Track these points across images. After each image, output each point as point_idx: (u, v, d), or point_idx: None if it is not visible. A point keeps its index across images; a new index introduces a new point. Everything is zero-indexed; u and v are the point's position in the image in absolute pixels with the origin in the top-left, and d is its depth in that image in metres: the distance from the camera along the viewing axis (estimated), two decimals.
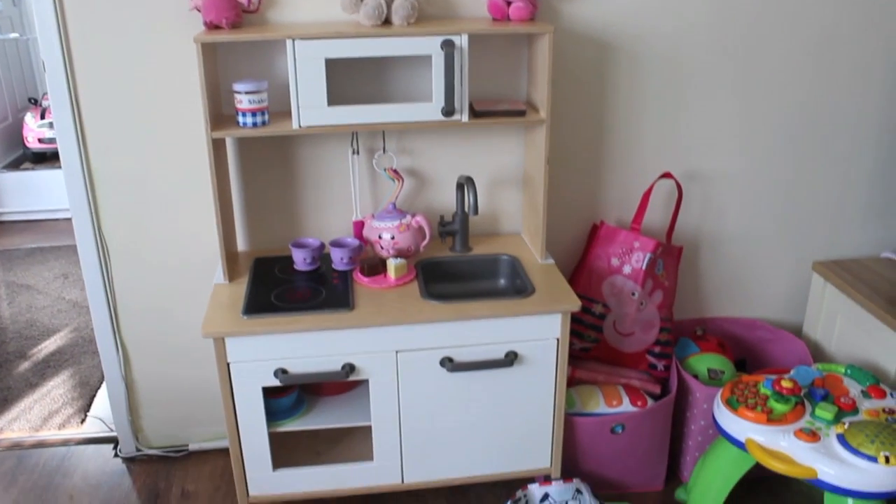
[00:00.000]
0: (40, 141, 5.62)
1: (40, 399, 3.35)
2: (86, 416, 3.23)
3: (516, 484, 2.59)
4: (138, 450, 2.95)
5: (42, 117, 5.65)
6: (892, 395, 2.34)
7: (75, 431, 3.13)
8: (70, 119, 2.47)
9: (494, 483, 2.68)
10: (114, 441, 3.01)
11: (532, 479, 2.56)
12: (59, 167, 2.56)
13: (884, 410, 2.25)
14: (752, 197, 2.87)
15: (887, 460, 2.02)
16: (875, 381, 2.39)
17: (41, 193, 5.42)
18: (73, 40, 2.38)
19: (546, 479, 2.54)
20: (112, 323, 2.75)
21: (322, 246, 2.56)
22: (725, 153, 2.79)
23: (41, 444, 3.04)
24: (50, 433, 3.11)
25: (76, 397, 3.35)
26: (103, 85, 2.44)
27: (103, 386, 3.35)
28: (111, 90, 2.45)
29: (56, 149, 2.52)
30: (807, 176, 2.87)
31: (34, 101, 5.87)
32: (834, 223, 2.96)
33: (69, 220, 2.61)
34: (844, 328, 2.79)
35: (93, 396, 3.36)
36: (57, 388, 3.43)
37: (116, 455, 2.96)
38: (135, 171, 2.56)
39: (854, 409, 2.26)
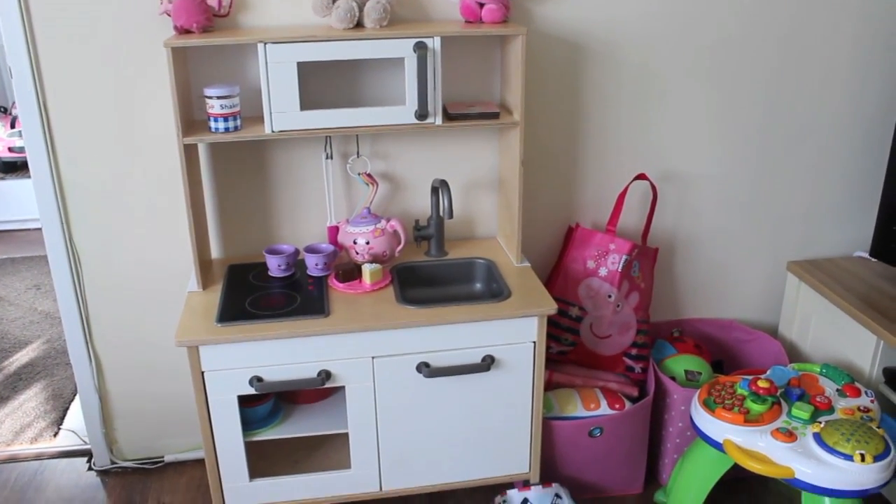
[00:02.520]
0: (10, 150, 5.54)
1: (12, 413, 3.29)
2: (59, 429, 3.18)
3: (495, 489, 2.58)
4: (113, 462, 2.91)
5: (12, 126, 5.57)
6: (866, 393, 2.35)
7: (48, 445, 3.08)
8: (39, 127, 2.43)
9: (474, 489, 2.67)
10: (88, 454, 2.97)
11: (511, 485, 2.55)
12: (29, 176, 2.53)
13: (859, 409, 2.26)
14: (727, 198, 2.88)
15: (863, 458, 2.03)
16: (850, 380, 2.40)
17: (12, 203, 5.35)
18: (41, 46, 2.35)
19: (525, 484, 2.54)
20: (85, 334, 2.71)
21: (296, 252, 2.54)
22: (699, 154, 2.80)
23: (13, 459, 2.99)
24: (22, 447, 3.06)
25: (49, 410, 3.30)
26: (72, 92, 2.41)
27: (77, 398, 3.30)
28: (80, 97, 2.42)
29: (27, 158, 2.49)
30: (780, 176, 2.89)
31: (4, 110, 5.79)
32: (808, 223, 2.98)
33: (41, 229, 2.58)
34: (819, 327, 2.80)
35: (66, 409, 3.31)
36: (29, 401, 3.37)
37: (90, 468, 2.92)
38: (106, 179, 2.53)
39: (830, 408, 2.26)
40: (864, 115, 2.84)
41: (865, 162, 2.91)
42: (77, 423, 3.15)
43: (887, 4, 2.69)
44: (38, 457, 3.00)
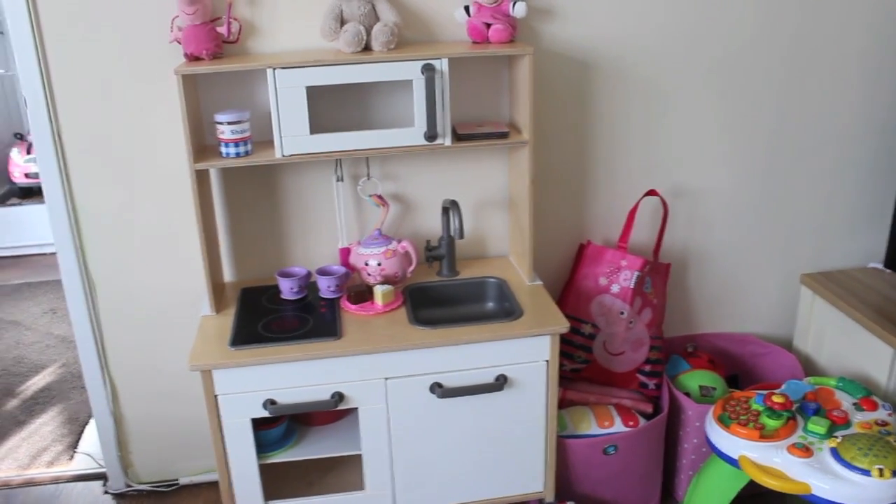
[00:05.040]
0: (27, 176, 5.60)
1: (28, 437, 3.31)
2: (75, 452, 3.19)
3: None
4: (128, 485, 2.92)
5: (28, 152, 5.63)
6: (884, 406, 2.33)
7: (64, 469, 3.09)
8: (52, 154, 2.46)
9: None
10: (103, 477, 2.98)
11: None
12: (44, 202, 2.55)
13: (876, 423, 2.24)
14: (738, 211, 2.88)
15: (881, 473, 2.01)
16: (867, 393, 2.38)
17: (28, 228, 5.39)
18: (55, 75, 2.38)
19: (540, 503, 2.53)
20: (99, 358, 2.73)
21: (308, 274, 2.55)
22: (710, 168, 2.80)
23: (30, 483, 3.01)
24: (38, 471, 3.08)
25: (65, 434, 3.32)
26: (85, 119, 2.44)
27: (92, 422, 3.31)
28: (94, 124, 2.45)
29: None
30: (792, 188, 2.88)
31: (20, 137, 5.85)
32: (820, 235, 2.97)
33: (56, 254, 2.60)
34: (834, 340, 2.78)
35: (81, 432, 3.33)
36: (45, 426, 3.39)
37: (106, 492, 2.93)
38: (119, 204, 2.55)
39: (846, 423, 2.25)
40: (875, 124, 2.83)
41: (877, 172, 2.90)
42: (93, 447, 3.17)
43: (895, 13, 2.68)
44: (55, 480, 3.02)
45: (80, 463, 3.12)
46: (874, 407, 2.33)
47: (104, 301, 2.66)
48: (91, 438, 3.25)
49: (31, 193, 5.65)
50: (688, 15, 2.59)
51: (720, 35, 2.63)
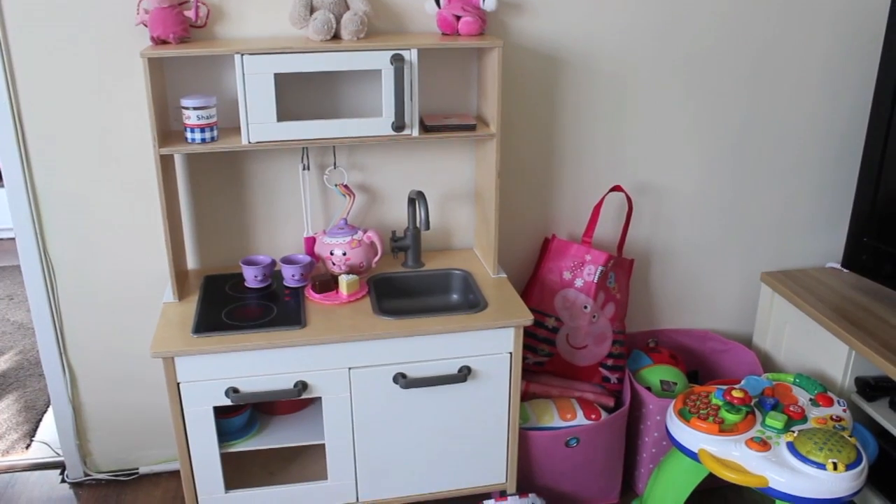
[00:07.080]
0: None
1: None
2: (31, 441, 3.14)
3: (472, 500, 2.58)
4: (86, 475, 2.88)
5: None
6: (839, 402, 2.38)
7: (20, 457, 3.04)
8: (13, 136, 2.41)
9: (450, 500, 2.66)
10: (61, 466, 2.94)
11: (488, 495, 2.55)
12: (3, 186, 2.51)
13: (831, 418, 2.28)
14: (701, 210, 2.91)
15: (835, 467, 2.05)
16: (823, 390, 2.43)
17: None
18: (15, 55, 2.34)
19: (502, 494, 2.54)
20: (58, 345, 2.69)
21: (273, 263, 2.53)
22: (674, 167, 2.83)
23: None
24: None
25: (21, 422, 3.26)
26: (47, 102, 2.40)
27: (50, 410, 3.27)
28: (56, 107, 2.40)
29: None
30: (753, 189, 2.92)
31: None
32: (781, 234, 3.02)
33: (14, 239, 2.55)
34: (793, 338, 2.83)
35: (39, 421, 3.27)
36: (1, 413, 3.33)
37: (63, 481, 2.88)
38: (81, 189, 2.51)
39: (803, 418, 2.29)
40: (836, 128, 2.88)
41: (837, 174, 2.95)
42: (50, 435, 3.12)
43: (859, 20, 2.73)
44: (10, 469, 2.97)
45: (37, 451, 3.07)
46: (829, 403, 2.37)
47: (64, 287, 2.62)
48: (49, 427, 3.20)
49: None
50: (656, 14, 2.61)
51: (687, 35, 2.65)
